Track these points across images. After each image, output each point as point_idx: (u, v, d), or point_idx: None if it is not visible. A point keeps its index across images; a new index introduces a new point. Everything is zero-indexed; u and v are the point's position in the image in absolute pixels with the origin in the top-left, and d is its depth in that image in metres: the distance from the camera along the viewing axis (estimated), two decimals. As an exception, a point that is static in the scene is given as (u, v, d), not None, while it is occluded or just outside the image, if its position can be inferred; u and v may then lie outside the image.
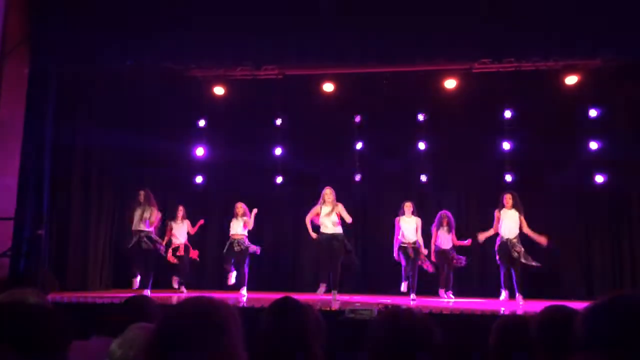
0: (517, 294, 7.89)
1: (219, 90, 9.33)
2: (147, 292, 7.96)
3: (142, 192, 8.45)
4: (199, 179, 9.79)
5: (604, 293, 1.68)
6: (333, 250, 7.92)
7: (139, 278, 8.26)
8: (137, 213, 8.35)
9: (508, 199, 8.25)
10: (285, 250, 10.13)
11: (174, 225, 9.04)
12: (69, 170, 8.94)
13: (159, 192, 9.06)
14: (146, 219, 8.31)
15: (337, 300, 7.63)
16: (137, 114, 9.63)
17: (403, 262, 8.41)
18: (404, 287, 8.46)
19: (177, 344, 1.37)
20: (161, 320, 1.49)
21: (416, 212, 8.57)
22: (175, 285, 8.88)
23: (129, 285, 8.43)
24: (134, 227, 8.32)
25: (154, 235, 8.43)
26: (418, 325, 1.83)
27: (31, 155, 8.04)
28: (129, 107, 9.56)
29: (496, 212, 8.28)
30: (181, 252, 8.97)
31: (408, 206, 8.52)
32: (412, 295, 8.21)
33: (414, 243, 8.42)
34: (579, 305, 2.28)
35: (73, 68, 8.39)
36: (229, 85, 9.32)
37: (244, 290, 8.58)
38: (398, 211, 8.60)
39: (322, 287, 7.91)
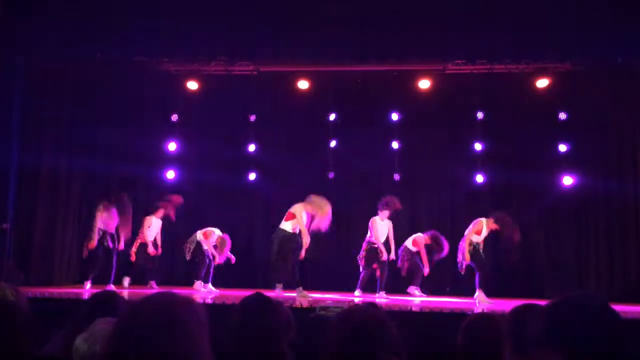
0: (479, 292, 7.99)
1: (192, 85, 9.23)
2: (112, 287, 7.85)
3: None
4: (170, 175, 9.67)
5: (566, 291, 1.70)
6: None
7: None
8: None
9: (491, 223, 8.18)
10: (258, 248, 10.05)
11: (152, 221, 8.89)
12: (36, 163, 8.72)
13: (129, 188, 8.96)
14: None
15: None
16: (107, 108, 9.46)
17: (365, 263, 8.44)
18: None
19: (137, 339, 1.35)
20: (122, 315, 1.46)
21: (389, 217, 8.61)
22: (126, 284, 8.67)
23: (98, 281, 8.28)
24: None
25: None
26: (374, 323, 1.82)
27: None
28: (99, 101, 9.38)
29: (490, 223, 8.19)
30: (152, 251, 8.84)
31: (384, 211, 8.54)
32: (383, 294, 8.26)
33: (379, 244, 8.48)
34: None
35: (41, 60, 8.21)
36: (202, 80, 9.21)
37: (210, 286, 8.59)
38: (376, 211, 8.60)
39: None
